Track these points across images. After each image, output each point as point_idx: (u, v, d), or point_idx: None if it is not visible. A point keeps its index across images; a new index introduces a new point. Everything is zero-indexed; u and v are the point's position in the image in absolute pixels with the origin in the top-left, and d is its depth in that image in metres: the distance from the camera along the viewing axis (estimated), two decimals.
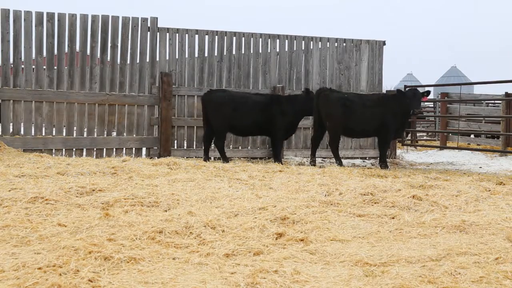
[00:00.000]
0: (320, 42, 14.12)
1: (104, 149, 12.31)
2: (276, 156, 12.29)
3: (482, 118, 18.93)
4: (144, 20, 12.66)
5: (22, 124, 11.81)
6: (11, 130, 11.73)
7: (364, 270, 4.32)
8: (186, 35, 13.04)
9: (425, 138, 24.40)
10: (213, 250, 4.72)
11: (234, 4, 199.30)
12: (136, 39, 12.63)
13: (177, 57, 12.99)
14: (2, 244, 4.75)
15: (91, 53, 12.38)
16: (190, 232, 5.19)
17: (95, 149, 12.28)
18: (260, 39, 13.65)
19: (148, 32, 12.71)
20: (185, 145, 12.99)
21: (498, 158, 15.60)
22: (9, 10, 11.69)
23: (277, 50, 13.79)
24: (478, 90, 38.47)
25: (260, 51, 13.65)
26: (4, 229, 5.13)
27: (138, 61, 12.68)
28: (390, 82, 53.56)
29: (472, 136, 19.57)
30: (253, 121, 12.15)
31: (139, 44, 12.66)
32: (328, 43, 14.19)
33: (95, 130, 12.36)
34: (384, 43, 14.67)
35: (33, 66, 12.01)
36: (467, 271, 4.23)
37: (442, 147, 17.47)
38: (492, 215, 6.26)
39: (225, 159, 11.85)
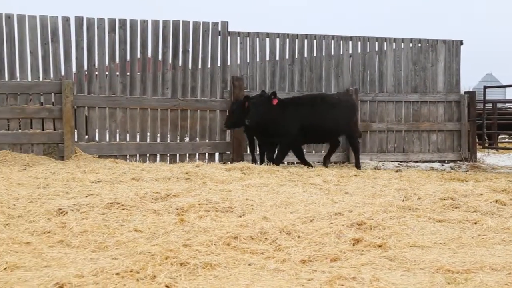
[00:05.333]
0: (394, 43, 13.82)
1: (178, 155, 12.33)
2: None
3: None
4: (215, 24, 12.65)
5: (96, 130, 11.96)
6: (86, 136, 11.93)
7: (446, 277, 4.14)
8: (257, 38, 12.98)
9: (507, 140, 23.56)
10: (289, 256, 4.62)
11: (297, 4, 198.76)
12: (207, 44, 12.62)
13: (248, 61, 12.94)
14: (80, 249, 4.79)
15: (163, 59, 12.46)
16: (265, 238, 5.12)
17: (168, 154, 12.32)
18: (332, 41, 13.44)
19: (219, 37, 12.68)
20: (258, 149, 12.89)
21: None
22: (83, 18, 11.85)
23: (350, 51, 13.57)
24: None
25: (332, 53, 13.45)
26: (82, 235, 5.18)
27: (209, 66, 12.67)
28: (469, 82, 51.61)
29: None
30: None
31: (210, 48, 12.63)
32: (402, 43, 13.89)
33: (168, 135, 12.39)
34: (461, 42, 14.22)
35: (107, 73, 12.16)
36: None
37: None
38: None
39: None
